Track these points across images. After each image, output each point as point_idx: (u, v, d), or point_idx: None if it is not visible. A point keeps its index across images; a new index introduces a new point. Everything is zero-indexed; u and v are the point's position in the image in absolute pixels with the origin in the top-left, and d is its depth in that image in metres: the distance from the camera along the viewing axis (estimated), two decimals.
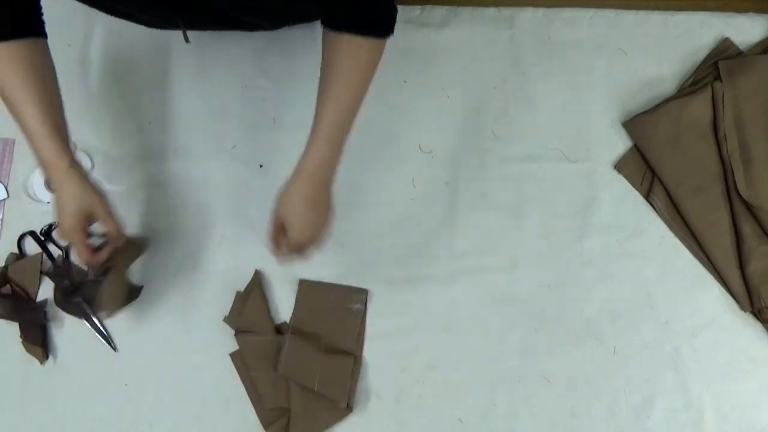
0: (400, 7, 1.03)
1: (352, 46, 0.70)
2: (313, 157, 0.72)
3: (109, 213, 0.76)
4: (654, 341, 0.88)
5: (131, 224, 0.92)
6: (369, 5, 0.69)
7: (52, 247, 0.91)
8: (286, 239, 0.75)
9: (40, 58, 0.74)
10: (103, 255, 0.78)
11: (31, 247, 0.91)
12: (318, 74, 0.98)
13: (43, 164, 0.72)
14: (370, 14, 0.69)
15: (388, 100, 0.97)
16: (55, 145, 0.71)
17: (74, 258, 0.90)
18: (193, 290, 0.89)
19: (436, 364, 0.87)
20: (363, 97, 0.73)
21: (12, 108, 0.71)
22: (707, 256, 0.90)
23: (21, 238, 0.91)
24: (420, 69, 0.98)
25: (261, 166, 0.95)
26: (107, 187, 0.93)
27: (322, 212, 0.75)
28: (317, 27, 1.01)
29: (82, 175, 0.73)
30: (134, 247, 0.87)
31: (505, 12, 1.01)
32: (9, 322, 0.87)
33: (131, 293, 0.86)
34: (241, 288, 0.89)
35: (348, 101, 0.72)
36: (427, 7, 1.01)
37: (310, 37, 1.00)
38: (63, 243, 0.91)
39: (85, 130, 0.96)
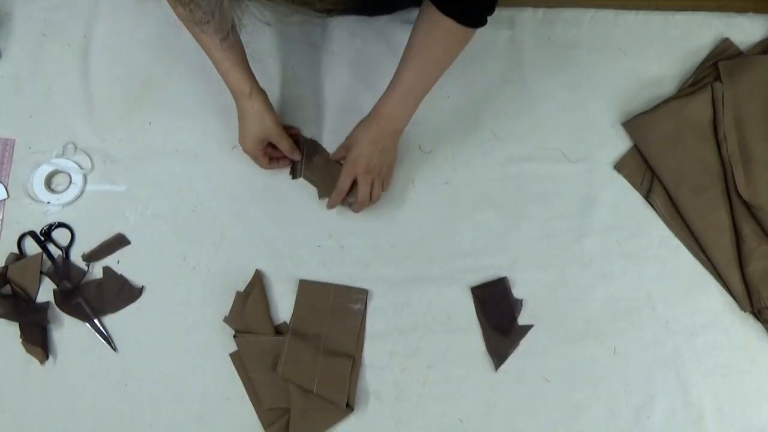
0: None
1: (448, 29, 0.74)
2: (385, 105, 0.82)
3: (282, 135, 0.88)
4: (654, 341, 0.88)
5: (131, 224, 0.92)
6: None
7: (52, 248, 0.91)
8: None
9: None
10: (281, 164, 0.92)
11: (31, 247, 0.91)
12: (318, 74, 0.99)
13: (231, 92, 0.85)
14: (474, 4, 0.73)
15: None
16: (237, 74, 0.83)
17: (74, 258, 0.90)
18: (193, 290, 0.89)
19: (436, 364, 0.87)
20: (441, 74, 0.81)
21: (205, 51, 0.83)
22: (707, 256, 0.90)
23: (21, 238, 0.91)
24: None
25: None
26: (107, 187, 0.94)
27: (386, 154, 0.85)
28: (317, 29, 1.01)
29: (262, 102, 0.85)
30: (311, 144, 0.96)
31: (505, 12, 1.01)
32: (9, 322, 0.86)
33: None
34: (241, 288, 0.89)
35: (429, 72, 0.80)
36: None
37: (309, 38, 1.00)
38: (63, 244, 0.91)
39: (85, 130, 0.96)
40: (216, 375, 0.86)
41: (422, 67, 0.79)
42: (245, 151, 0.89)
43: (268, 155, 0.90)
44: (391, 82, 0.81)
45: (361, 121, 0.85)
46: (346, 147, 0.87)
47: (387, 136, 0.84)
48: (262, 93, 0.86)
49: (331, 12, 0.98)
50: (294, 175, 0.94)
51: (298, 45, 1.00)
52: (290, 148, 0.90)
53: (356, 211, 0.88)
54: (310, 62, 0.99)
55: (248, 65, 0.85)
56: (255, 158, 0.89)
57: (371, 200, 0.87)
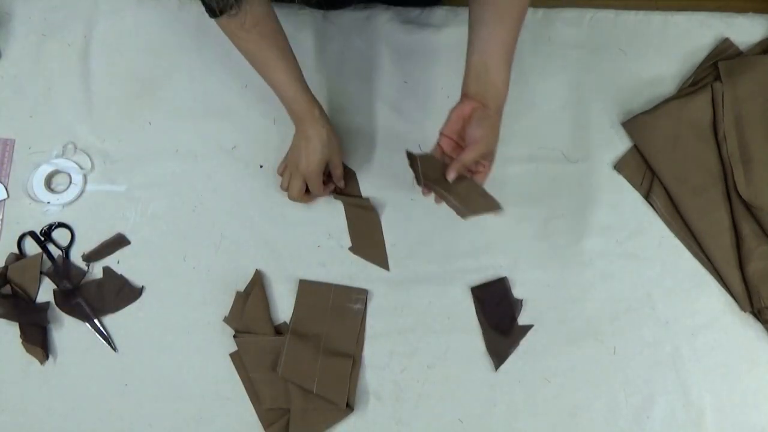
0: (399, 8, 1.04)
1: None
2: (495, 79, 0.72)
3: (340, 162, 0.88)
4: (654, 341, 0.88)
5: (131, 224, 0.92)
6: None
7: (52, 248, 0.91)
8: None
9: (276, 20, 0.81)
10: (328, 190, 0.90)
11: (31, 247, 0.91)
12: (316, 74, 0.99)
13: (294, 114, 0.84)
14: None
15: (389, 100, 0.97)
16: (304, 98, 0.82)
17: (74, 258, 0.90)
18: (193, 290, 0.89)
19: (436, 364, 0.87)
20: (520, 31, 0.74)
21: (259, 71, 0.83)
22: (707, 256, 0.90)
23: (21, 238, 0.91)
24: (420, 69, 0.98)
25: (261, 166, 0.95)
26: (107, 187, 0.94)
27: (497, 134, 0.73)
28: (317, 29, 1.01)
29: (328, 125, 0.85)
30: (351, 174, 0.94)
31: None
32: (9, 322, 0.87)
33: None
34: (241, 288, 0.89)
35: (513, 33, 0.73)
36: (427, 7, 1.01)
37: (309, 38, 1.00)
38: (63, 244, 0.91)
39: (85, 130, 0.96)
40: (216, 375, 0.86)
41: (506, 35, 0.71)
42: (307, 174, 0.85)
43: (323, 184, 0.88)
44: (480, 46, 0.71)
45: (476, 115, 0.71)
46: (472, 142, 0.72)
47: (497, 117, 0.73)
48: (326, 115, 0.85)
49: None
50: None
51: (297, 46, 1.00)
52: (341, 174, 0.89)
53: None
54: (309, 62, 0.99)
55: (308, 87, 0.84)
56: (315, 182, 0.86)
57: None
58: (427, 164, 0.76)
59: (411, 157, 0.76)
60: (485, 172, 0.75)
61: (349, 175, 0.94)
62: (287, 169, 0.88)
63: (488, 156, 0.74)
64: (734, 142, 0.92)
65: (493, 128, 0.72)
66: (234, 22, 0.74)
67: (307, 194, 0.88)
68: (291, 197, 0.88)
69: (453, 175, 0.71)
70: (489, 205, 0.76)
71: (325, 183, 0.88)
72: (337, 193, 0.93)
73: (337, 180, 0.90)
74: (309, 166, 0.84)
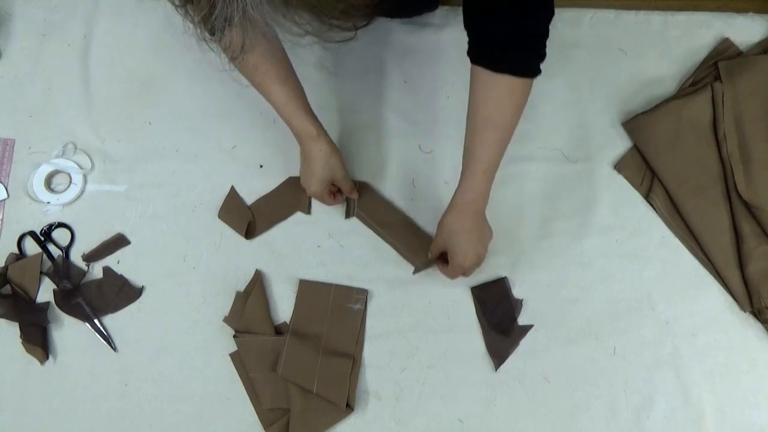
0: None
1: (507, 86, 0.70)
2: (468, 191, 0.76)
3: (346, 176, 0.87)
4: (654, 341, 0.88)
5: (131, 224, 0.92)
6: (527, 42, 0.69)
7: (52, 248, 0.91)
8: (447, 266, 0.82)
9: (274, 39, 0.80)
10: (337, 200, 0.90)
11: (31, 247, 0.91)
12: (316, 74, 0.99)
13: (295, 134, 0.83)
14: (527, 53, 0.69)
15: (388, 100, 0.97)
16: (302, 117, 0.81)
17: (74, 258, 0.90)
18: (193, 290, 0.89)
19: (436, 364, 0.87)
20: (513, 131, 0.75)
21: (259, 91, 0.82)
22: (707, 256, 0.90)
23: (21, 238, 0.91)
24: (420, 69, 0.98)
25: (261, 166, 0.95)
26: (107, 187, 0.94)
27: (482, 239, 0.80)
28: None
29: (329, 143, 0.84)
30: (366, 188, 0.95)
31: None
32: (9, 322, 0.87)
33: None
34: (241, 288, 0.89)
35: (501, 139, 0.75)
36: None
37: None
38: (63, 244, 0.91)
39: (85, 130, 0.96)
40: (216, 375, 0.86)
41: (494, 135, 0.74)
42: (312, 194, 0.86)
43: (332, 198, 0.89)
44: (466, 162, 0.76)
45: (448, 212, 0.79)
46: (441, 241, 0.81)
47: (478, 219, 0.79)
48: (327, 134, 0.84)
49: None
50: (347, 215, 0.92)
51: (297, 46, 1.00)
52: (351, 188, 0.89)
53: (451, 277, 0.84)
54: (309, 62, 0.99)
55: (309, 105, 0.83)
56: (320, 199, 0.88)
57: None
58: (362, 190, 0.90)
59: None
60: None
61: (363, 186, 0.93)
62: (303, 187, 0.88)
63: (467, 259, 0.79)
64: (734, 141, 0.92)
65: (470, 231, 0.79)
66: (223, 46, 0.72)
67: (329, 196, 0.89)
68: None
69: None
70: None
71: (336, 195, 0.89)
72: (348, 202, 0.92)
73: (348, 193, 0.90)
74: (311, 187, 0.85)
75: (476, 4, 0.68)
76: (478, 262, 0.81)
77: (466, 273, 0.82)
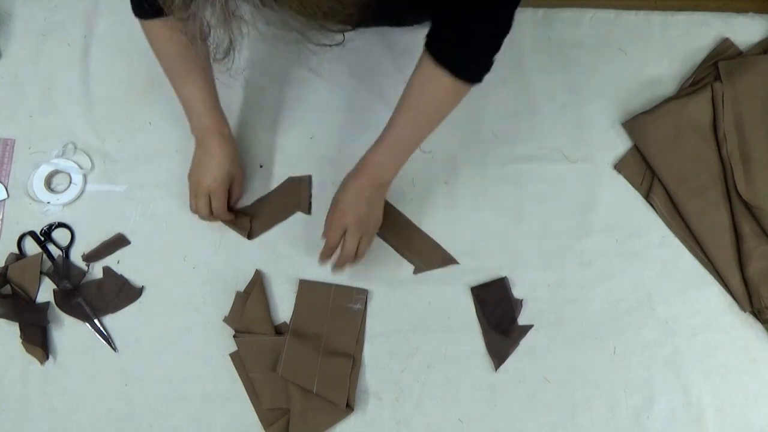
0: None
1: (443, 84, 0.72)
2: (374, 154, 0.79)
3: (243, 183, 0.90)
4: (654, 341, 0.88)
5: (131, 224, 0.92)
6: (476, 48, 0.71)
7: (52, 248, 0.91)
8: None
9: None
10: (232, 214, 0.89)
11: (31, 247, 0.91)
12: (315, 74, 0.99)
13: (201, 130, 0.84)
14: (472, 59, 0.71)
15: (388, 100, 0.97)
16: (216, 115, 0.83)
17: (74, 258, 0.90)
18: (193, 290, 0.89)
19: (436, 364, 0.87)
20: (433, 128, 0.80)
21: (172, 80, 0.83)
22: (707, 256, 0.90)
23: (21, 238, 0.91)
24: None
25: (261, 166, 0.95)
26: (107, 187, 0.94)
27: (372, 209, 0.81)
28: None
29: (235, 144, 0.86)
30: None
31: None
32: (9, 322, 0.86)
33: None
34: (241, 288, 0.89)
35: (420, 126, 0.79)
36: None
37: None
38: (63, 244, 0.91)
39: (85, 130, 0.96)
40: (216, 375, 0.86)
41: (413, 121, 0.78)
42: (212, 189, 0.84)
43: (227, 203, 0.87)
44: (383, 132, 0.79)
45: (350, 172, 0.81)
46: (335, 195, 0.82)
47: (374, 188, 0.80)
48: (233, 137, 0.87)
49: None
50: (250, 236, 0.91)
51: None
52: (240, 196, 0.91)
53: (339, 266, 0.82)
54: (313, 62, 0.99)
55: (220, 105, 0.85)
56: (220, 197, 0.85)
57: (356, 257, 0.81)
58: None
59: None
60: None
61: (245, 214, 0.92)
62: (191, 189, 0.86)
63: (347, 212, 0.79)
64: (734, 142, 0.92)
65: (360, 191, 0.79)
66: (169, 23, 0.73)
67: (210, 214, 0.86)
68: (202, 216, 0.87)
69: (322, 261, 0.82)
70: (444, 259, 0.89)
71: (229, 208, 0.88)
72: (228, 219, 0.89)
73: (234, 201, 0.90)
74: (215, 181, 0.83)
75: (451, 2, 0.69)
76: (358, 222, 0.79)
77: (346, 249, 0.80)
